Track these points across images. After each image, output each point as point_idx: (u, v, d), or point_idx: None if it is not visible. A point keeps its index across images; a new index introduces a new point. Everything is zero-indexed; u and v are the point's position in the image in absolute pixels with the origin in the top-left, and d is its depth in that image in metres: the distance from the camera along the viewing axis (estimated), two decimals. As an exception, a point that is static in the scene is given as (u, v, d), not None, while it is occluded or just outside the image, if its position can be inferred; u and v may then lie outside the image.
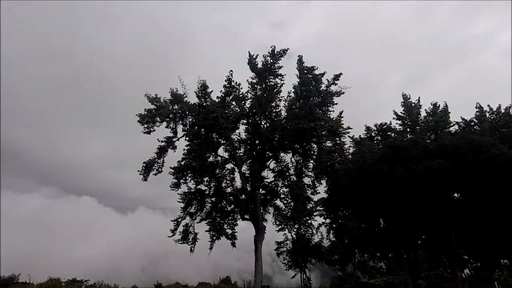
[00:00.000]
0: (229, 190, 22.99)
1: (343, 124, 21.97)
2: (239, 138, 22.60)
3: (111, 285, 22.23)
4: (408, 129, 23.72)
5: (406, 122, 24.10)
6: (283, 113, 22.59)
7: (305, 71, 20.89)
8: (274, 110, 22.27)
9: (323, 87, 21.36)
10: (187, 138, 20.69)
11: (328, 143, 21.46)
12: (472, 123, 22.39)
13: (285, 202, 22.84)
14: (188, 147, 21.19)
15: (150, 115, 18.82)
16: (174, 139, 20.19)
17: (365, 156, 21.31)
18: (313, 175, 23.02)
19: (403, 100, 24.52)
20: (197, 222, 22.03)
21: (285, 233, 30.11)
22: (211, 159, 22.02)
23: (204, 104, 20.56)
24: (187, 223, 22.21)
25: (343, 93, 20.93)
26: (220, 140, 21.36)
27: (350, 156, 23.28)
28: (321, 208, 24.06)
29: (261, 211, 22.43)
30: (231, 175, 23.13)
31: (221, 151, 22.56)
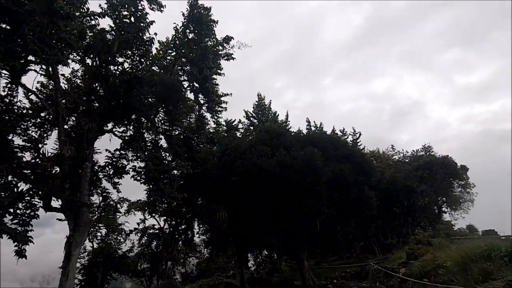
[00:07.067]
0: (28, 156, 12.86)
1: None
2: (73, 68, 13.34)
3: None
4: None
5: (257, 122, 25.63)
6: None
7: (198, 10, 15.60)
8: (141, 48, 15.02)
9: (210, 42, 16.92)
10: None
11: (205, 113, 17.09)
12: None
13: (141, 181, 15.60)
14: None
15: None
16: None
17: (234, 141, 19.21)
18: (172, 150, 17.52)
19: (257, 100, 26.52)
20: None
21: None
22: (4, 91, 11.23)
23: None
24: None
25: (233, 58, 17.40)
26: (35, 47, 10.45)
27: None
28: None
29: (88, 196, 14.17)
30: (41, 130, 13.15)
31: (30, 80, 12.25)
